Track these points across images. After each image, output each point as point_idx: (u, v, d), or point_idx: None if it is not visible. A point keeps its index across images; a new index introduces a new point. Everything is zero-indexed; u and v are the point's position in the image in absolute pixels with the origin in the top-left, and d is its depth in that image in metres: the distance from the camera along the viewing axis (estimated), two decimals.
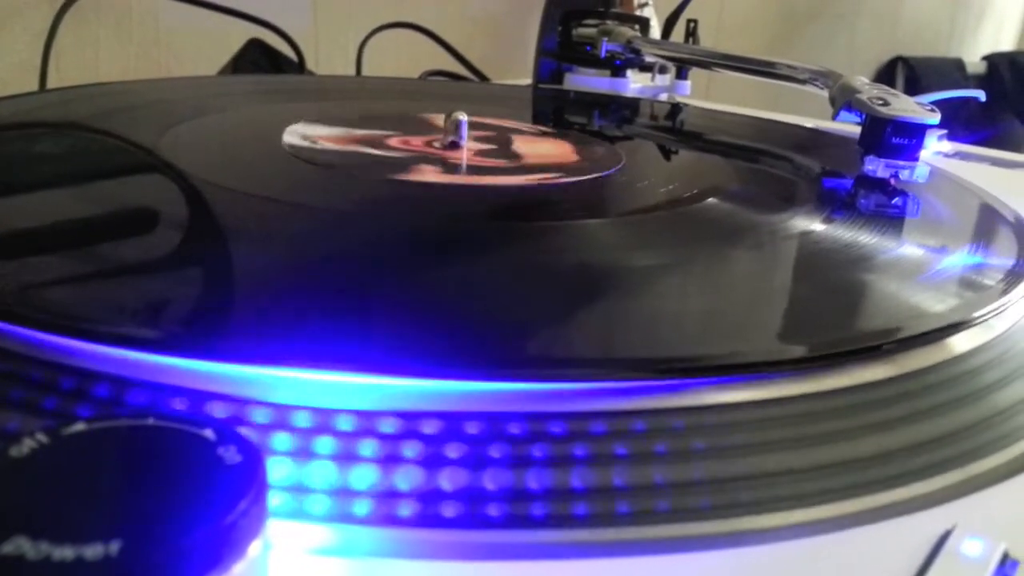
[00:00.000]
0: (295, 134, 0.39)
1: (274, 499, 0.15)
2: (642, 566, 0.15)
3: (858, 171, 0.38)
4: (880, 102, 0.39)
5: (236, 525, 0.11)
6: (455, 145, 0.39)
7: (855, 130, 0.40)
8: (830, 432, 0.19)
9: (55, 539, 0.10)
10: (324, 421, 0.16)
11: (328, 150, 0.37)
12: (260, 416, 0.16)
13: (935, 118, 0.37)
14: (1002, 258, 0.29)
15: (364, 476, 0.16)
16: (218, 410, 0.16)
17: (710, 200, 0.34)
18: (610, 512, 0.16)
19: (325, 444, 0.16)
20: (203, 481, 0.11)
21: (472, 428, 0.17)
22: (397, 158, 0.37)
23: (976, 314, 0.23)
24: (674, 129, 0.56)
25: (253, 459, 0.12)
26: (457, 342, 0.19)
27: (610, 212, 0.35)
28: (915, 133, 0.37)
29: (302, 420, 0.16)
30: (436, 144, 0.39)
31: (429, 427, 0.17)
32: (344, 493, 0.15)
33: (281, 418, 0.16)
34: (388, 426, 0.16)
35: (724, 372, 0.19)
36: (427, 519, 0.15)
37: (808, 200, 0.36)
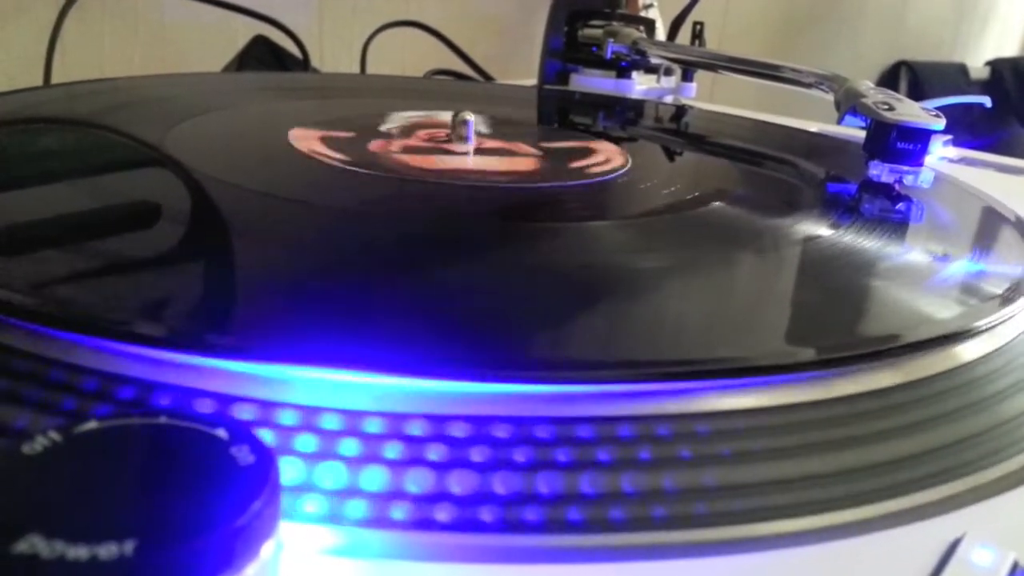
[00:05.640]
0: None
1: (286, 501, 0.15)
2: (648, 571, 0.15)
3: (862, 176, 0.38)
4: (885, 107, 0.38)
5: (249, 526, 0.11)
6: (461, 144, 0.39)
7: (860, 134, 0.40)
8: (837, 439, 0.18)
9: (69, 538, 0.10)
10: (335, 422, 0.16)
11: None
12: (271, 416, 0.16)
13: (940, 123, 0.37)
14: (1008, 265, 0.29)
15: (375, 478, 0.16)
16: (231, 410, 0.16)
17: (715, 204, 0.34)
18: (616, 517, 0.16)
19: (336, 445, 0.16)
20: (216, 481, 0.11)
21: (482, 431, 0.17)
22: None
23: (984, 321, 0.23)
24: (679, 131, 0.56)
25: (266, 460, 0.12)
26: (470, 344, 0.19)
27: (616, 215, 0.35)
28: (920, 138, 0.37)
29: (312, 421, 0.16)
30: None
31: (437, 429, 0.16)
32: (356, 494, 0.15)
33: (291, 418, 0.16)
34: (398, 428, 0.16)
35: (730, 376, 0.19)
36: (437, 522, 0.15)
37: (813, 205, 0.36)
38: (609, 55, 0.64)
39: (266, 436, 0.16)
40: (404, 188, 0.33)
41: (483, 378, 0.17)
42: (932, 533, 0.17)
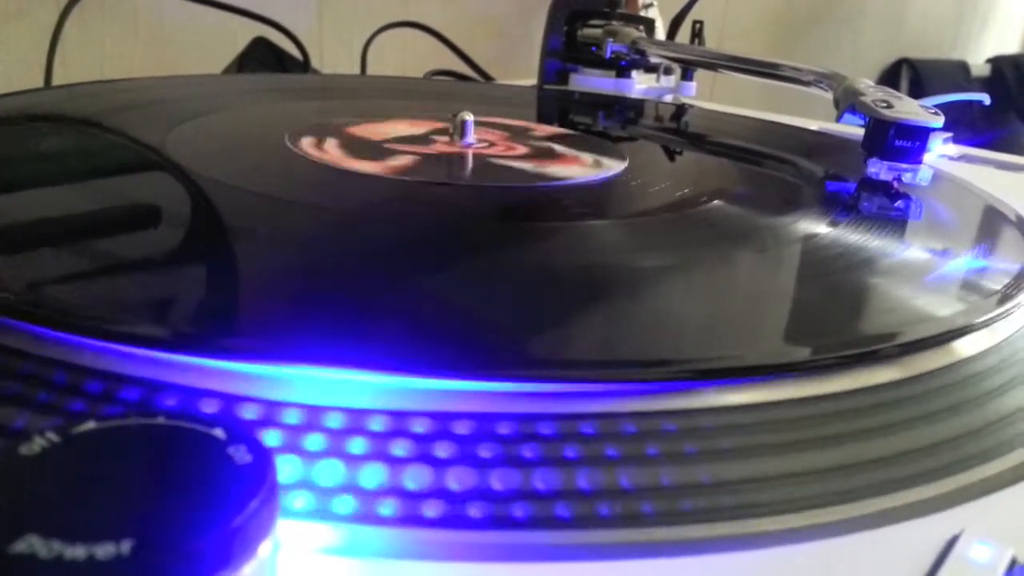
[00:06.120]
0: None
1: (283, 498, 0.15)
2: (653, 567, 0.15)
3: (862, 174, 0.38)
4: (884, 105, 0.38)
5: (247, 526, 0.11)
6: (461, 145, 0.39)
7: (860, 132, 0.40)
8: (836, 435, 0.19)
9: (66, 538, 0.10)
10: (334, 420, 0.16)
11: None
12: (269, 415, 0.16)
13: (938, 121, 0.37)
14: (1006, 261, 0.29)
15: (374, 475, 0.16)
16: (230, 409, 0.16)
17: (715, 202, 0.34)
18: (625, 513, 0.16)
19: (334, 443, 0.16)
20: (214, 481, 0.11)
21: (484, 428, 0.17)
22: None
23: (982, 318, 0.23)
24: (679, 130, 0.56)
25: (263, 459, 0.12)
26: (472, 343, 0.20)
27: (616, 214, 0.35)
28: (918, 136, 0.37)
29: (312, 419, 0.16)
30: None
31: (443, 427, 0.17)
32: (354, 492, 0.15)
33: (291, 416, 0.16)
34: (397, 426, 0.16)
35: (730, 375, 0.19)
36: (436, 520, 0.15)
37: (812, 203, 0.36)
38: (609, 55, 0.64)
39: (265, 435, 0.16)
40: (403, 189, 0.33)
41: (481, 377, 0.18)
42: (930, 529, 0.17)
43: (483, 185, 0.34)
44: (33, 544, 0.10)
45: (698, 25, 0.72)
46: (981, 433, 0.19)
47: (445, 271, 0.25)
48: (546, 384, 0.18)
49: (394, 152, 0.37)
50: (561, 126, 0.53)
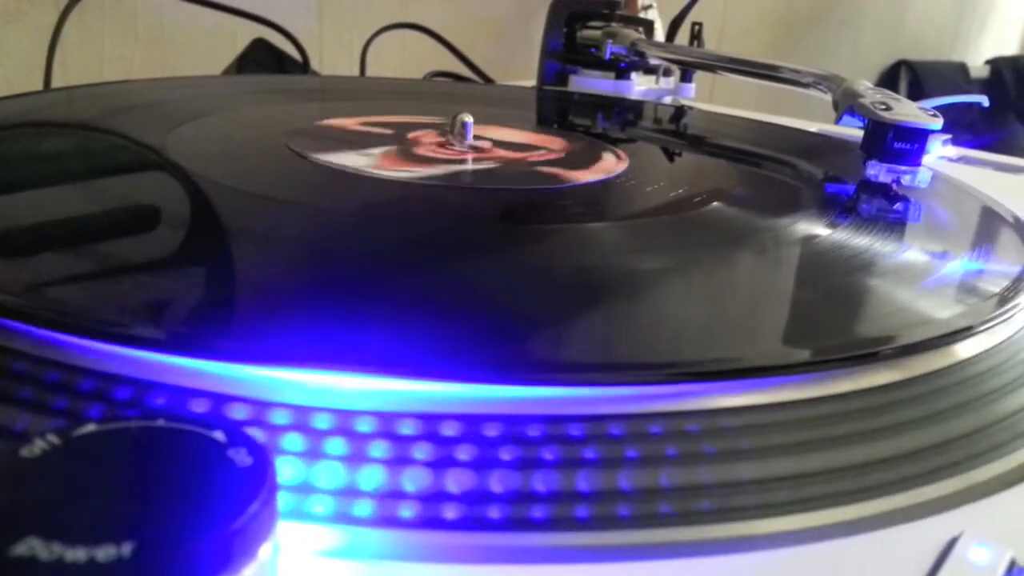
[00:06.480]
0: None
1: (283, 500, 0.15)
2: (647, 570, 0.15)
3: (861, 176, 0.38)
4: (882, 107, 0.38)
5: (247, 528, 0.11)
6: (461, 147, 0.39)
7: (859, 134, 0.40)
8: (834, 437, 0.19)
9: (67, 540, 0.10)
10: (332, 422, 0.16)
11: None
12: (268, 416, 0.16)
13: (937, 123, 0.37)
14: (1006, 263, 0.29)
15: (372, 477, 0.16)
16: (227, 411, 0.17)
17: (714, 204, 0.34)
18: (614, 516, 0.16)
19: (333, 445, 0.16)
20: (214, 483, 0.11)
21: (479, 430, 0.17)
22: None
23: (980, 321, 0.23)
24: (678, 132, 0.56)
25: (263, 461, 0.12)
26: (468, 345, 0.20)
27: (615, 216, 0.35)
28: (917, 138, 0.37)
29: (310, 421, 0.16)
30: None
31: (437, 429, 0.17)
32: (352, 494, 0.15)
33: (289, 418, 0.16)
34: (396, 428, 0.16)
35: (729, 376, 0.19)
36: (435, 521, 0.15)
37: (811, 205, 0.36)
38: (608, 56, 0.64)
39: (262, 436, 0.16)
40: (404, 191, 0.33)
41: (479, 380, 0.18)
42: (929, 531, 0.17)
43: (484, 187, 0.34)
44: (33, 546, 0.10)
45: (697, 27, 0.72)
46: (980, 435, 0.19)
47: (442, 273, 0.25)
48: (547, 388, 0.18)
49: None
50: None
